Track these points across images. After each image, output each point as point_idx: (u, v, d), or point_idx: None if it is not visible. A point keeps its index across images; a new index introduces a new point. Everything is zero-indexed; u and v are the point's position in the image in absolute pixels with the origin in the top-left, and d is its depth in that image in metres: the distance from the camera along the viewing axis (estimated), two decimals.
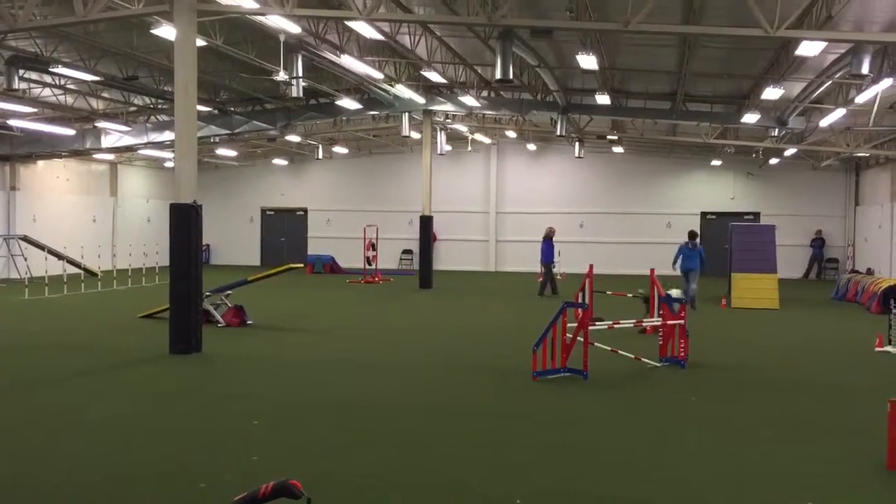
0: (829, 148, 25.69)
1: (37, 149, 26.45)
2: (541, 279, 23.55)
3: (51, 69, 17.75)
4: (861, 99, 17.55)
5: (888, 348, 13.26)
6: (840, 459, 7.18)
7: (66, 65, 17.77)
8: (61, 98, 23.21)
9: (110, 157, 30.60)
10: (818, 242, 31.89)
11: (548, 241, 23.60)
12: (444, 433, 8.02)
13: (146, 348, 12.72)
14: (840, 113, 19.81)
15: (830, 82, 17.56)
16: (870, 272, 26.78)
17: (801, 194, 32.20)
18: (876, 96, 17.11)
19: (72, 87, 21.83)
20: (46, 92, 22.29)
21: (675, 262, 20.48)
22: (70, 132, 25.20)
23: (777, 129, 23.27)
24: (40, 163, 28.43)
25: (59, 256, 24.42)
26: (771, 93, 18.01)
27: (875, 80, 15.68)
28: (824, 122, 21.43)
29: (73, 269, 24.98)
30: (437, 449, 7.44)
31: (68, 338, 14.16)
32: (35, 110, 24.10)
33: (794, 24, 12.26)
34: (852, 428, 8.35)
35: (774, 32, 11.71)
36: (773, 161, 30.70)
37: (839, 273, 29.86)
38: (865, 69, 14.12)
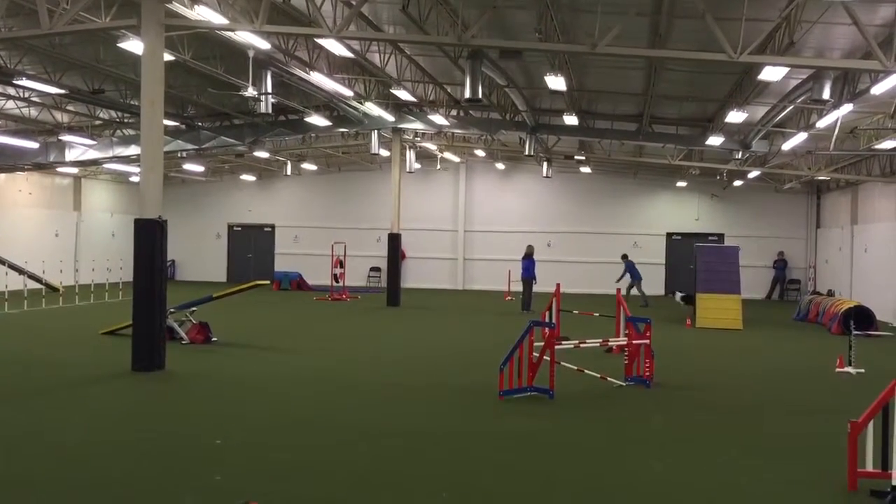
0: (791, 171, 26.18)
1: None
2: (523, 296, 24.26)
3: (15, 81, 17.50)
4: (822, 123, 17.92)
5: (848, 369, 13.46)
6: (801, 479, 7.26)
7: (30, 77, 17.53)
8: (25, 110, 22.88)
9: (74, 170, 30.20)
10: (780, 264, 32.37)
11: (529, 258, 24.55)
12: (408, 454, 7.97)
13: (108, 365, 12.50)
14: (802, 137, 20.20)
15: (792, 107, 17.93)
16: (830, 294, 27.20)
17: (764, 216, 32.70)
18: (836, 121, 17.48)
19: (36, 99, 21.56)
20: (10, 104, 21.98)
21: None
22: (33, 145, 24.82)
23: (741, 152, 23.67)
24: (2, 176, 27.94)
25: (20, 271, 23.97)
26: (735, 116, 18.34)
27: (835, 106, 16.04)
28: (786, 146, 21.84)
29: (34, 285, 24.52)
30: (399, 470, 7.39)
31: (28, 354, 13.88)
32: None
33: (757, 49, 12.51)
34: (813, 448, 8.46)
35: (738, 57, 11.93)
36: (737, 183, 31.18)
37: (801, 294, 30.36)
38: (826, 95, 14.44)
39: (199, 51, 16.71)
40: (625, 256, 28.47)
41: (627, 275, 27.61)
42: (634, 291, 27.10)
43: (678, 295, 26.01)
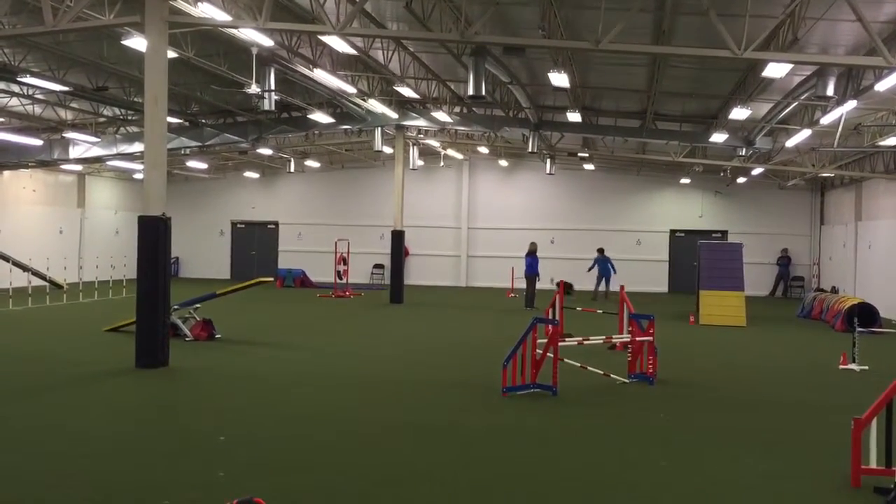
0: (794, 168, 26.13)
1: (3, 159, 26.03)
2: (527, 293, 24.38)
3: (19, 79, 17.53)
4: (826, 120, 17.88)
5: (852, 366, 13.45)
6: (805, 476, 7.26)
7: (34, 74, 17.55)
8: (29, 108, 22.92)
9: (78, 168, 30.24)
10: (784, 261, 32.33)
11: (532, 255, 24.66)
12: (410, 450, 7.98)
13: (112, 362, 12.53)
14: (805, 134, 20.16)
15: (796, 104, 17.89)
16: (834, 290, 27.20)
17: (767, 213, 32.66)
18: (840, 118, 17.44)
19: (40, 97, 21.59)
20: (14, 101, 22.01)
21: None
22: (38, 142, 24.85)
23: (744, 149, 23.63)
24: (6, 173, 28.01)
25: (25, 268, 24.02)
26: (738, 113, 18.31)
27: (839, 102, 16.00)
28: (790, 143, 21.80)
29: (38, 282, 24.59)
30: (403, 466, 7.40)
31: (32, 351, 13.90)
32: (2, 120, 23.78)
33: (761, 45, 12.48)
34: (817, 445, 8.46)
35: (742, 54, 11.91)
36: (741, 180, 31.15)
37: (805, 291, 30.31)
38: (830, 91, 14.41)
39: (203, 48, 16.72)
40: (601, 250, 28.83)
41: (596, 267, 28.03)
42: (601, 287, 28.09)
43: (554, 281, 26.69)
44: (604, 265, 28.22)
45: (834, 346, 15.66)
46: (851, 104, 16.10)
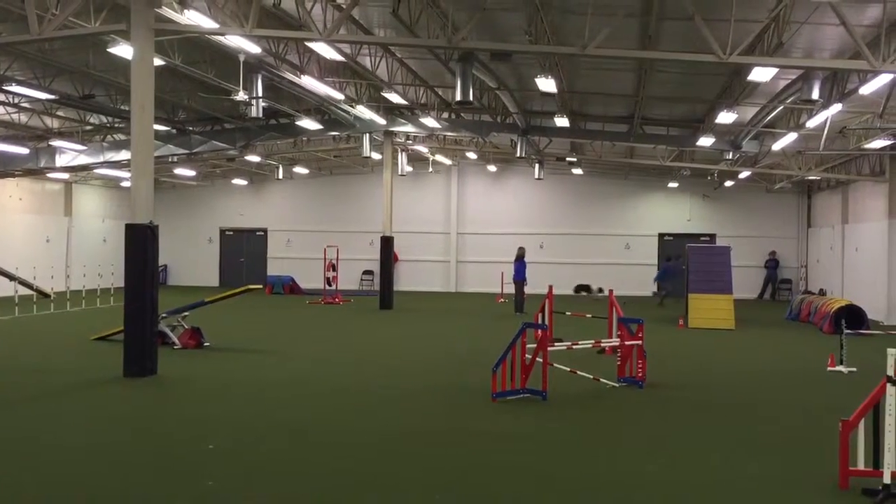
0: (781, 171, 26.28)
1: None
2: (516, 298, 24.41)
3: (4, 87, 17.45)
4: (812, 123, 18.00)
5: (840, 368, 13.52)
6: (793, 479, 7.29)
7: (20, 83, 17.47)
8: (15, 116, 22.80)
9: (65, 176, 30.10)
10: (772, 263, 32.47)
11: (520, 260, 24.61)
12: (401, 456, 7.97)
13: (100, 371, 12.45)
14: (792, 137, 20.28)
15: (782, 107, 18.01)
16: (822, 293, 27.33)
17: (755, 216, 32.82)
18: (826, 121, 17.55)
19: (26, 105, 21.48)
20: (0, 110, 21.89)
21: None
22: (24, 151, 24.73)
23: (731, 153, 23.75)
24: None
25: (11, 277, 23.85)
26: (725, 117, 18.39)
27: (825, 106, 16.11)
28: (777, 146, 21.92)
29: (25, 291, 24.42)
30: (393, 473, 7.38)
31: (19, 360, 13.82)
32: None
33: (746, 50, 12.56)
34: (805, 447, 8.49)
35: (727, 58, 11.98)
36: (728, 183, 31.29)
37: (793, 294, 30.45)
38: (815, 95, 14.50)
39: (190, 55, 16.67)
40: (668, 259, 30.22)
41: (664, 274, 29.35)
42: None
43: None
44: (667, 270, 29.30)
45: (822, 348, 15.73)
46: (836, 107, 16.21)
